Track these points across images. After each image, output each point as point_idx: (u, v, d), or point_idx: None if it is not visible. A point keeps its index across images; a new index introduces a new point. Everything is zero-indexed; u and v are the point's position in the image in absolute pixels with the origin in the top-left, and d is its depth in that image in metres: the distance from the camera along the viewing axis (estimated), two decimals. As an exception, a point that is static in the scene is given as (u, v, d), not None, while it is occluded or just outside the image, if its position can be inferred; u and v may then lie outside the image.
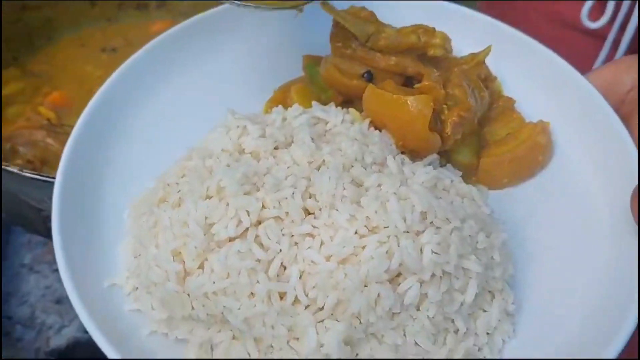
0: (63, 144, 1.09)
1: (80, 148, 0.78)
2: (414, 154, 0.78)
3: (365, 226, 0.65)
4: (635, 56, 0.84)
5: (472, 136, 0.84)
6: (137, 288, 0.69)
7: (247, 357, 0.65)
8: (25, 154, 1.11)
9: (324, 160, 0.71)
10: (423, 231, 0.65)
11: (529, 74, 0.91)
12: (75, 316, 1.25)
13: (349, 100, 0.85)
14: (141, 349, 0.65)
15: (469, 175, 0.82)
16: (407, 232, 0.65)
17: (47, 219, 1.03)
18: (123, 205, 0.77)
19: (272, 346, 0.64)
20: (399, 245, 0.64)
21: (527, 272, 0.74)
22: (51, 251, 1.39)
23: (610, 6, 1.13)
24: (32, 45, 1.35)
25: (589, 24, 1.15)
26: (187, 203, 0.68)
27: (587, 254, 0.74)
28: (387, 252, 0.63)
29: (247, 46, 0.93)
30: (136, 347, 0.65)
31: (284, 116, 0.78)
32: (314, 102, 0.81)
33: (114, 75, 0.84)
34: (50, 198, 0.99)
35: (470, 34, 0.93)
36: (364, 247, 0.64)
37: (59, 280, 1.32)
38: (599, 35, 1.17)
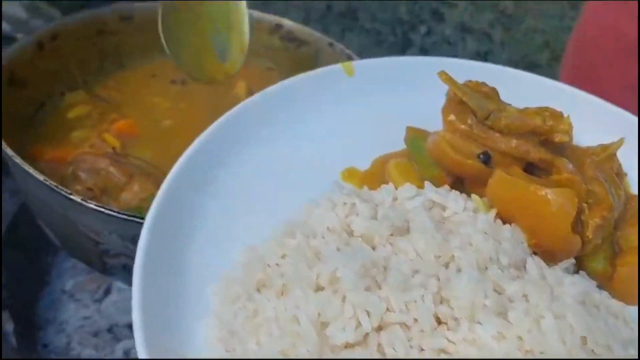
0: (125, 174, 1.04)
1: (168, 205, 0.69)
2: (547, 256, 0.67)
3: (518, 349, 0.54)
4: None
5: (606, 240, 0.73)
6: None
7: None
8: (86, 180, 1.04)
9: (452, 257, 0.60)
10: None
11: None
12: (112, 352, 1.19)
13: (457, 182, 0.75)
14: None
15: (603, 286, 0.70)
16: None
17: (104, 253, 0.95)
18: (208, 276, 0.66)
19: None
20: None
21: None
22: (94, 280, 1.35)
23: None
24: (102, 70, 1.30)
25: None
26: (295, 293, 0.58)
27: None
28: None
29: (348, 111, 0.84)
30: None
31: (395, 196, 0.68)
32: (427, 183, 0.71)
33: (211, 128, 0.77)
34: (111, 232, 0.89)
35: (595, 123, 0.83)
36: None
37: (99, 311, 1.28)
38: None
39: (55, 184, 0.91)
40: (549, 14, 1.84)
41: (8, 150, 0.96)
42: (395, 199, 0.68)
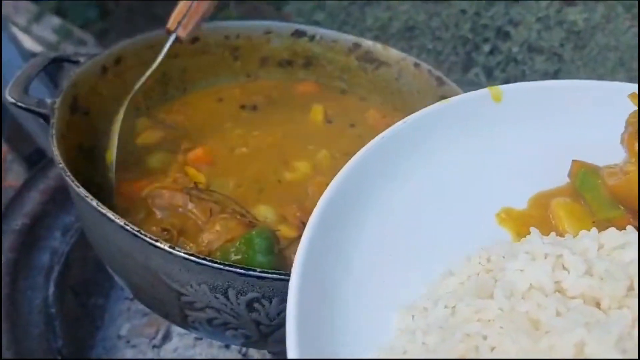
0: (205, 212, 0.93)
1: (316, 248, 0.59)
2: None
3: None
4: None
5: None
6: None
7: None
8: (161, 220, 0.95)
9: None
10: None
11: None
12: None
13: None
14: None
15: None
16: None
17: (187, 306, 0.85)
18: (360, 346, 0.56)
19: None
20: None
21: None
22: (152, 324, 1.24)
23: None
24: (165, 94, 1.24)
25: None
26: None
27: None
28: None
29: (497, 141, 0.75)
30: None
31: (601, 243, 0.56)
32: (629, 227, 0.60)
33: (351, 162, 0.67)
34: (200, 283, 0.81)
35: None
36: None
37: (159, 358, 1.17)
38: None
39: (137, 229, 0.82)
40: (621, 31, 1.74)
41: (81, 190, 0.87)
42: (601, 247, 0.57)
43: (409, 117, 0.74)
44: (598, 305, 0.52)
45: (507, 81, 1.87)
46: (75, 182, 0.88)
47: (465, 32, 1.78)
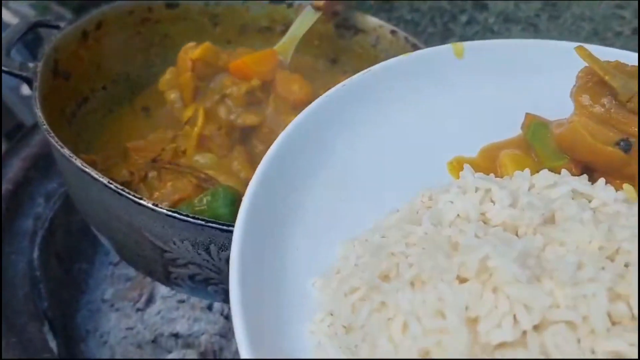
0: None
1: (261, 197, 0.62)
2: None
3: None
4: None
5: None
6: None
7: None
8: (133, 164, 1.04)
9: (617, 250, 0.53)
10: None
11: None
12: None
13: (587, 173, 0.68)
14: None
15: None
16: None
17: (170, 263, 0.88)
18: (308, 272, 0.60)
19: None
20: None
21: None
22: (135, 288, 1.28)
23: None
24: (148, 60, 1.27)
25: None
26: (433, 283, 0.51)
27: None
28: None
29: (456, 95, 0.78)
30: None
31: (532, 183, 0.61)
32: (564, 171, 0.65)
33: (307, 110, 0.70)
34: (183, 240, 0.84)
35: None
36: None
37: (142, 321, 1.22)
38: None
39: (120, 187, 0.84)
40: (595, 2, 1.78)
41: (65, 151, 0.89)
42: (532, 186, 0.62)
43: (372, 67, 0.77)
44: (516, 232, 0.56)
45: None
46: (59, 143, 0.91)
47: (443, 3, 1.82)
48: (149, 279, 1.27)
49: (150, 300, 1.29)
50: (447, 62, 0.78)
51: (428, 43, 1.90)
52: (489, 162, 0.71)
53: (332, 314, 0.56)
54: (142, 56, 1.25)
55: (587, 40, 1.78)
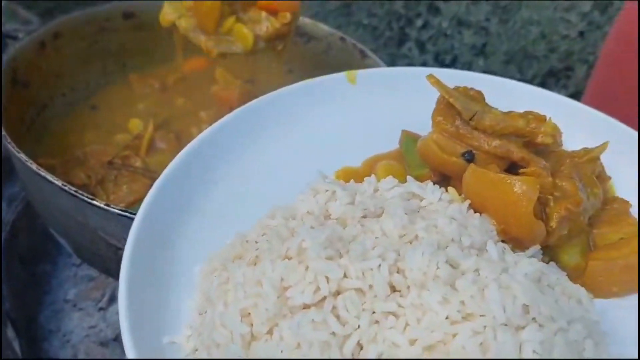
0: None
1: (163, 197, 0.78)
2: (516, 243, 0.77)
3: (458, 311, 0.63)
4: None
5: (581, 236, 0.81)
6: (197, 349, 0.68)
7: None
8: (90, 168, 1.15)
9: (416, 236, 0.70)
10: (524, 327, 0.63)
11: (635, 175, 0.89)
12: (120, 361, 1.26)
13: (444, 180, 0.85)
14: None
15: (575, 279, 0.78)
16: (506, 325, 0.62)
17: None
18: (198, 261, 0.77)
19: None
20: (495, 338, 0.62)
21: None
22: (98, 288, 1.41)
23: None
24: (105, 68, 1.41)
25: None
26: (264, 261, 0.69)
27: None
28: (481, 343, 0.61)
29: (348, 116, 0.95)
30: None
31: (376, 187, 0.78)
32: (409, 177, 0.82)
33: (206, 131, 0.87)
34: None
35: (582, 129, 0.91)
36: (455, 335, 0.62)
37: (104, 319, 1.35)
38: None
39: (74, 189, 0.97)
40: (543, 6, 1.90)
41: (22, 156, 1.02)
42: (376, 189, 0.78)
43: (279, 89, 0.95)
44: (345, 224, 0.73)
45: (437, 54, 2.04)
46: (16, 148, 1.05)
47: (398, 7, 1.95)
48: (111, 279, 1.37)
49: (112, 299, 1.37)
50: (341, 88, 0.96)
51: (386, 47, 2.04)
52: (369, 171, 0.88)
53: (201, 290, 0.74)
54: (100, 63, 1.42)
55: (535, 43, 1.90)
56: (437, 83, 0.84)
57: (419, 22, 1.96)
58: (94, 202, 0.95)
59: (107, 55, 1.40)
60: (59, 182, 0.97)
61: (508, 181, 0.74)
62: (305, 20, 1.41)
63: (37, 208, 1.19)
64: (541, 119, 0.83)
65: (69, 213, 1.01)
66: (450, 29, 1.96)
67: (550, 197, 0.77)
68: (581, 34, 1.94)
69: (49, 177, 0.97)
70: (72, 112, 1.33)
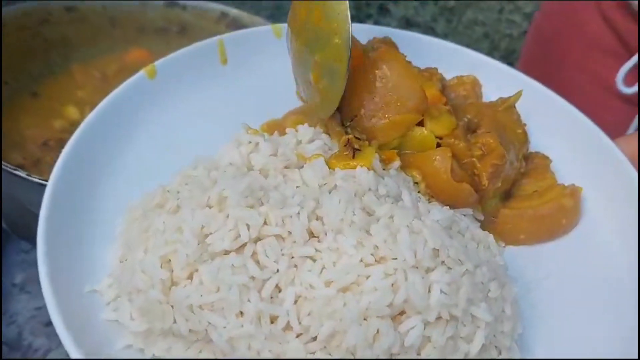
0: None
1: (80, 151, 0.79)
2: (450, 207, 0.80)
3: (372, 255, 0.66)
4: None
5: (505, 186, 0.86)
6: (118, 297, 0.70)
7: (227, 382, 0.65)
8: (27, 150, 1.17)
9: (335, 185, 0.72)
10: (433, 269, 0.66)
11: (559, 134, 0.93)
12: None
13: None
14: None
15: (489, 226, 0.82)
16: (416, 267, 0.65)
17: None
18: (119, 213, 0.78)
19: (254, 374, 0.65)
20: (406, 280, 0.65)
21: (536, 335, 0.74)
22: None
23: None
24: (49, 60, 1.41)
25: (624, 89, 1.16)
26: (184, 209, 0.69)
27: (606, 322, 0.75)
28: (392, 284, 0.64)
29: (268, 68, 0.96)
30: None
31: (299, 139, 0.80)
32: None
33: (124, 84, 0.87)
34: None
35: (500, 85, 0.96)
36: (368, 277, 0.64)
37: None
38: (636, 102, 1.20)
39: None
40: (488, 7, 1.98)
41: None
42: (299, 142, 0.80)
43: (193, 45, 0.95)
44: (267, 175, 0.75)
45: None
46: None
47: (350, 9, 2.00)
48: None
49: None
50: (268, 41, 0.98)
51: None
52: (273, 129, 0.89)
53: (122, 239, 0.75)
54: (43, 54, 1.39)
55: (478, 41, 1.98)
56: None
57: (370, 23, 2.03)
58: (16, 172, 0.95)
59: (50, 47, 1.37)
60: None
61: (426, 154, 0.78)
62: (240, 14, 1.41)
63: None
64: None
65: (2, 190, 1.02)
66: (400, 28, 2.04)
67: (474, 159, 0.81)
68: (524, 33, 2.03)
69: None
70: (13, 99, 1.30)
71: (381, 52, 0.82)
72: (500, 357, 0.69)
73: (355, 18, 2.17)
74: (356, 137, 0.77)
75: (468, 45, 1.09)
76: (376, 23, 2.02)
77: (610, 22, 1.22)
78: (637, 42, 1.15)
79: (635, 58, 1.13)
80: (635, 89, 1.16)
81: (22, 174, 0.98)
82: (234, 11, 1.45)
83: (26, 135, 1.22)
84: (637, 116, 1.20)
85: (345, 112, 0.81)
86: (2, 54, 1.31)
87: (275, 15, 2.02)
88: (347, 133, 0.79)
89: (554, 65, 1.34)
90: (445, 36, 1.98)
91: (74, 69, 1.39)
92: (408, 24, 2.01)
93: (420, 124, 0.81)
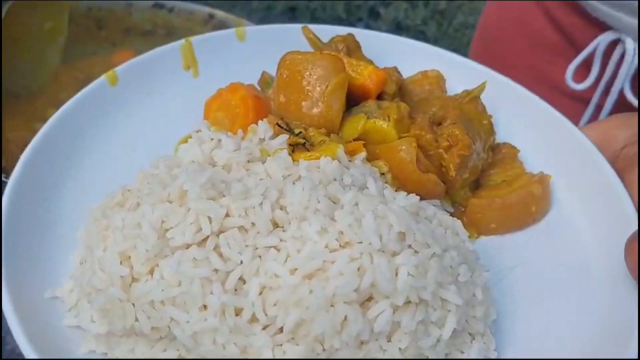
0: None
1: (40, 155, 0.78)
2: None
3: (336, 240, 0.64)
4: (628, 114, 0.87)
5: (473, 176, 0.85)
6: (79, 300, 0.67)
7: (193, 381, 0.62)
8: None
9: (300, 176, 0.70)
10: (399, 252, 0.64)
11: (525, 124, 0.93)
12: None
13: None
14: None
15: (459, 216, 0.82)
16: (382, 251, 0.63)
17: None
18: (82, 216, 0.76)
19: (221, 369, 0.62)
20: (372, 263, 0.62)
21: (510, 321, 0.73)
22: None
23: (594, 69, 1.16)
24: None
25: (574, 85, 1.17)
26: (143, 205, 0.67)
27: (578, 308, 0.74)
28: (358, 269, 0.62)
29: (230, 68, 0.97)
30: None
31: (262, 136, 0.79)
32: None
33: (85, 90, 0.87)
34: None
35: (464, 79, 0.95)
36: (333, 262, 0.62)
37: None
38: (583, 99, 1.22)
39: None
40: (478, 10, 1.98)
41: None
42: (263, 139, 0.79)
43: (161, 47, 0.97)
44: (230, 169, 0.74)
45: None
46: None
47: (340, 12, 2.01)
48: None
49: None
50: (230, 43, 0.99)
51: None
52: None
53: (82, 242, 0.73)
54: None
55: (469, 45, 1.97)
56: (310, 37, 0.89)
57: (361, 26, 2.04)
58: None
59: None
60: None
61: (392, 145, 0.78)
62: (227, 17, 1.41)
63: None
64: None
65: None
66: (390, 33, 2.04)
67: (441, 150, 0.80)
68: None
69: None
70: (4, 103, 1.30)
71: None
72: (474, 342, 0.67)
73: (346, 21, 2.19)
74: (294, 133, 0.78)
75: (458, 49, 1.09)
76: (367, 26, 2.03)
77: (554, 19, 1.23)
78: (583, 37, 1.16)
79: (583, 54, 1.14)
80: (586, 84, 1.16)
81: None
82: (220, 13, 1.44)
83: (8, 138, 1.22)
84: (585, 113, 1.21)
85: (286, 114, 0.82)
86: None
87: (266, 18, 2.03)
88: (290, 130, 0.79)
89: (499, 65, 1.34)
90: (435, 40, 1.99)
91: (59, 70, 1.39)
92: (399, 27, 2.01)
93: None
